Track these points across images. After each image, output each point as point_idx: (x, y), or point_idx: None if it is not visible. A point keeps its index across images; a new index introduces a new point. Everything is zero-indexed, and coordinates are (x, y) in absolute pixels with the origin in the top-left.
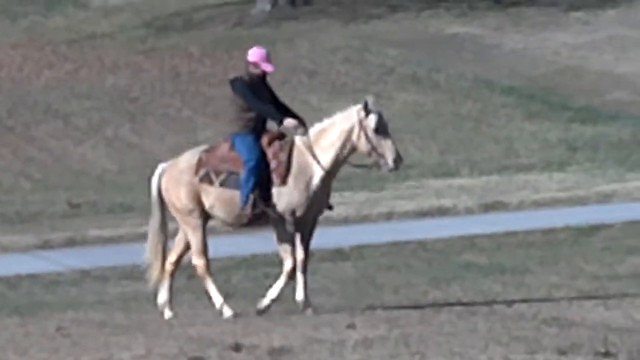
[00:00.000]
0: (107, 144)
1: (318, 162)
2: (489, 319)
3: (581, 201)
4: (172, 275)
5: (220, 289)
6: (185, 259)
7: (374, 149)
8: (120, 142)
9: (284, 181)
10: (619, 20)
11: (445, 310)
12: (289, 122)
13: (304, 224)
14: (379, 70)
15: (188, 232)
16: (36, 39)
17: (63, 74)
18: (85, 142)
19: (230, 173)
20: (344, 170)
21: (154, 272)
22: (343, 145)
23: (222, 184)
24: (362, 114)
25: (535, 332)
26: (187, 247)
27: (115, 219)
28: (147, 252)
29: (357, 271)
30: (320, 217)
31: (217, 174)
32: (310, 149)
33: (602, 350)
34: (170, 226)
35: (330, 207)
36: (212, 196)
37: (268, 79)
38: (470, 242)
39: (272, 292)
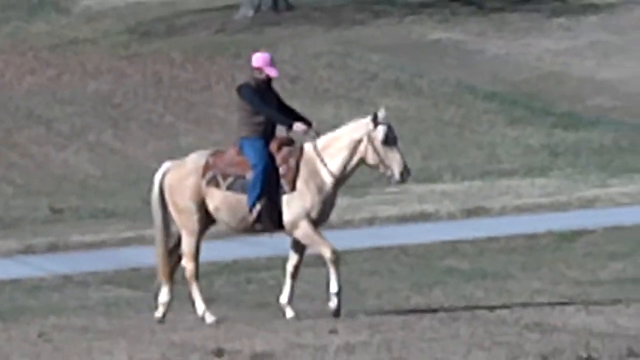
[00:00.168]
0: (89, 149)
1: (327, 168)
2: (471, 324)
3: (563, 207)
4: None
5: (202, 294)
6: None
7: (381, 160)
8: (103, 148)
9: (293, 187)
10: (601, 26)
11: (427, 316)
12: (298, 126)
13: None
14: (362, 75)
15: (183, 235)
16: (18, 45)
17: (45, 80)
18: (68, 147)
19: (238, 177)
20: None
21: (159, 272)
22: (351, 154)
23: (229, 188)
24: (372, 125)
25: (518, 338)
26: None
27: (97, 224)
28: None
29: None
30: None
31: (225, 177)
32: (319, 155)
33: (584, 355)
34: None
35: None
36: (217, 199)
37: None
38: (452, 247)
39: (332, 287)
